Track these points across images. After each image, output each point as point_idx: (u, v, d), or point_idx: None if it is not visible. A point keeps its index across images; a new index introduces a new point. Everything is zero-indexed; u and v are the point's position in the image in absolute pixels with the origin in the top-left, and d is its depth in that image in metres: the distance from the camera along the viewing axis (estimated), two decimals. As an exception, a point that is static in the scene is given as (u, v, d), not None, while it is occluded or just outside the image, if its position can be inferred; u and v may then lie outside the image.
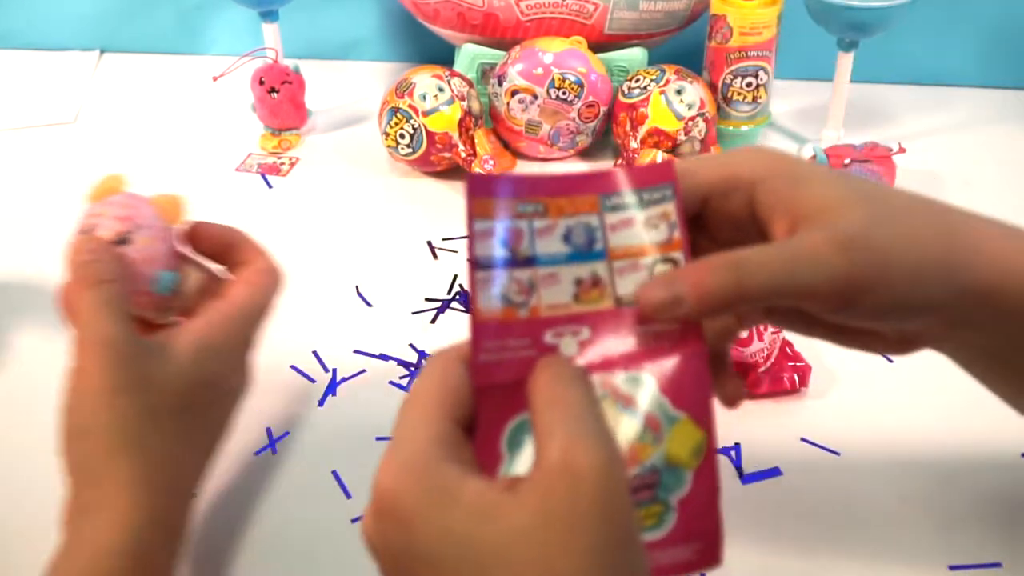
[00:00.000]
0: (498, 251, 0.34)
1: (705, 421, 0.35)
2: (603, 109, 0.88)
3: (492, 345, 0.34)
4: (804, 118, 0.97)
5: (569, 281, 0.35)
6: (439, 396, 0.33)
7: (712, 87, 0.89)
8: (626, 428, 0.35)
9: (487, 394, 0.34)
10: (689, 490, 0.35)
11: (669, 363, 0.35)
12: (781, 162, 0.38)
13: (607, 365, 0.35)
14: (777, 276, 0.34)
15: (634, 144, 0.84)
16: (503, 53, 0.91)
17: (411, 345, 0.69)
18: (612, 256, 0.35)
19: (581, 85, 0.86)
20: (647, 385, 0.35)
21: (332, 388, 0.65)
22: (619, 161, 0.88)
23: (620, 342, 0.35)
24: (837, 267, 0.35)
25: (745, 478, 0.58)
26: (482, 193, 0.35)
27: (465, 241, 0.35)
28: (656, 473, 0.35)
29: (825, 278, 0.35)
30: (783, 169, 0.38)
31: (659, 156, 0.82)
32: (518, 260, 0.34)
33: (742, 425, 0.61)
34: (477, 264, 0.34)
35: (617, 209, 0.35)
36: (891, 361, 0.66)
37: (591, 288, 0.35)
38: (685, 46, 0.97)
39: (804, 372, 0.64)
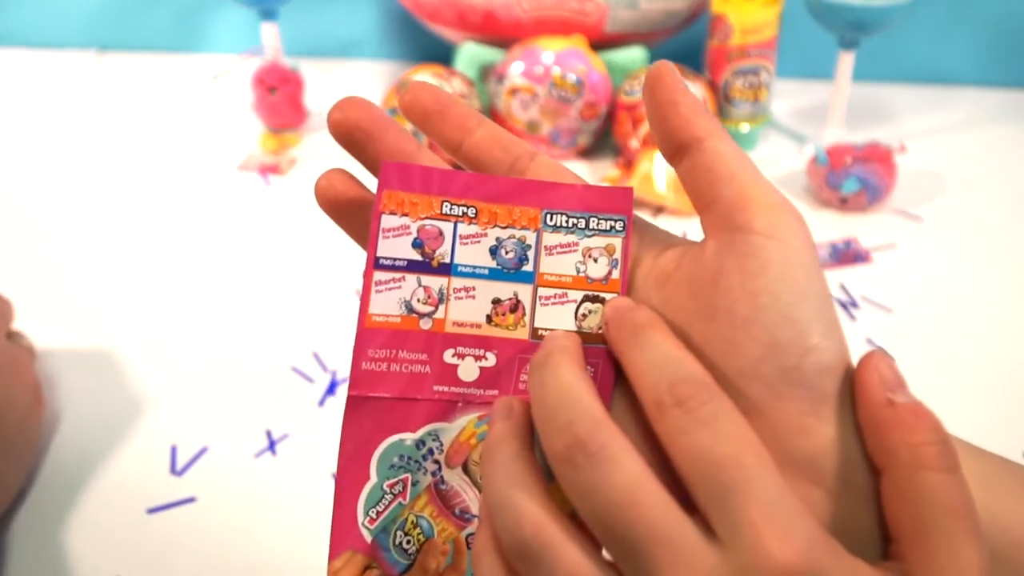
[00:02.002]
0: (409, 253, 0.31)
1: None
2: (603, 109, 0.88)
3: (380, 354, 0.30)
4: (805, 117, 0.97)
5: (486, 299, 0.31)
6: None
7: (713, 86, 0.88)
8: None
9: (363, 406, 0.31)
10: None
11: None
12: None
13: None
14: None
15: (635, 144, 0.84)
16: (503, 53, 0.91)
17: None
18: (541, 282, 0.31)
19: (581, 85, 0.85)
20: None
21: (332, 388, 0.65)
22: (619, 160, 0.88)
23: (524, 378, 0.31)
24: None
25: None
26: (398, 185, 0.30)
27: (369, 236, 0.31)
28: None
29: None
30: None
31: (659, 156, 0.82)
32: (431, 266, 0.31)
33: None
34: (378, 264, 0.30)
35: (559, 229, 0.31)
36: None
37: (508, 312, 0.31)
38: (685, 46, 0.97)
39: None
